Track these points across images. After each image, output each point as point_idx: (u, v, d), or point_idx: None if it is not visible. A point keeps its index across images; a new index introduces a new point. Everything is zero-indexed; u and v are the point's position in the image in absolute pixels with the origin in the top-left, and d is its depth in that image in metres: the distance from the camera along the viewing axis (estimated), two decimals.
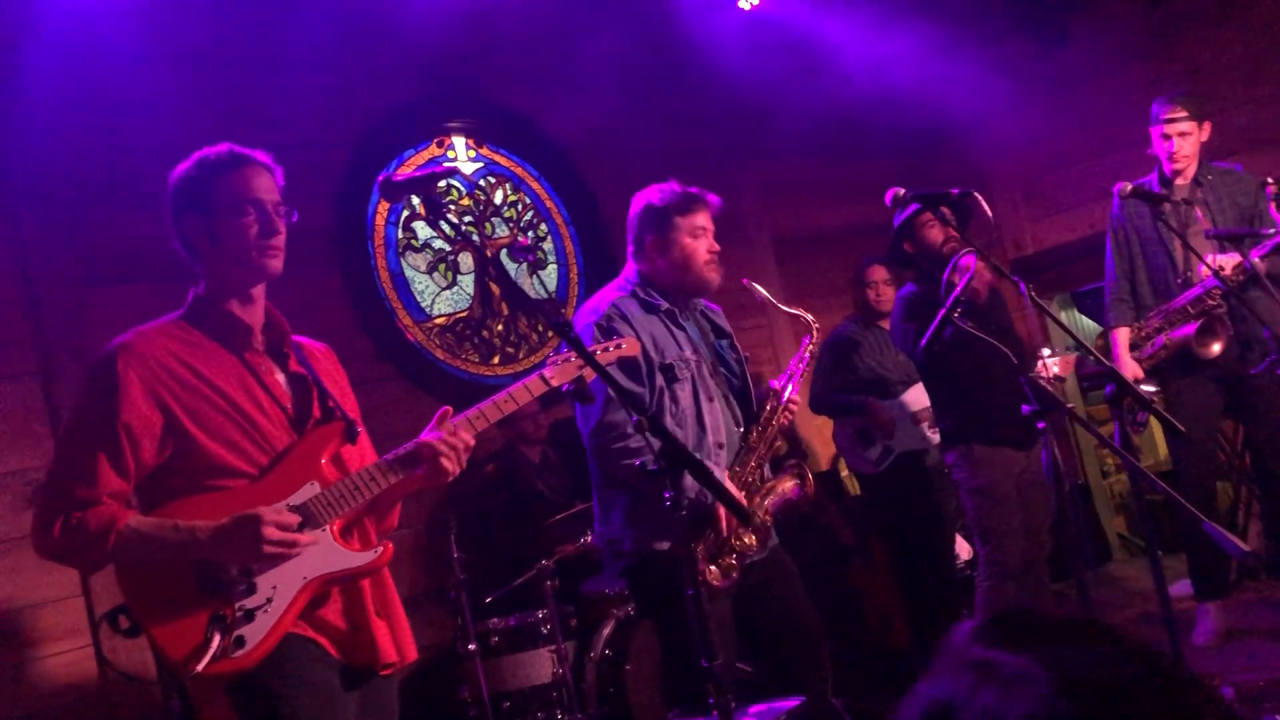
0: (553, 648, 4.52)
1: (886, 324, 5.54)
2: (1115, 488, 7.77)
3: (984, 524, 4.45)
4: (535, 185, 6.39)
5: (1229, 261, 4.40)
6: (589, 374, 2.73)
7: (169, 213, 2.55)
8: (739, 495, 3.28)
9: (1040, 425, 3.08)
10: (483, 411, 2.66)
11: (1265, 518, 5.10)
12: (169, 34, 4.89)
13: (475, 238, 6.01)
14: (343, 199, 5.51)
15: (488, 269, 5.99)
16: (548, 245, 6.38)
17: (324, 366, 2.72)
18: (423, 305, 5.78)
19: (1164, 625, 3.20)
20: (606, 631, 4.68)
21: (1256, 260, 4.27)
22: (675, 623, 2.98)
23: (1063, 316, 7.73)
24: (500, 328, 6.05)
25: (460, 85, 6.04)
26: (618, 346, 3.02)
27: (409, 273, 5.78)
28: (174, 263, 2.60)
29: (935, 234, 4.46)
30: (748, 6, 6.36)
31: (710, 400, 3.37)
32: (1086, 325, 8.27)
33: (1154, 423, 4.82)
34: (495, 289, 6.04)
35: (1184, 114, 4.71)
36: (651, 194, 3.50)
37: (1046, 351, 4.84)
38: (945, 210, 3.67)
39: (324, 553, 2.43)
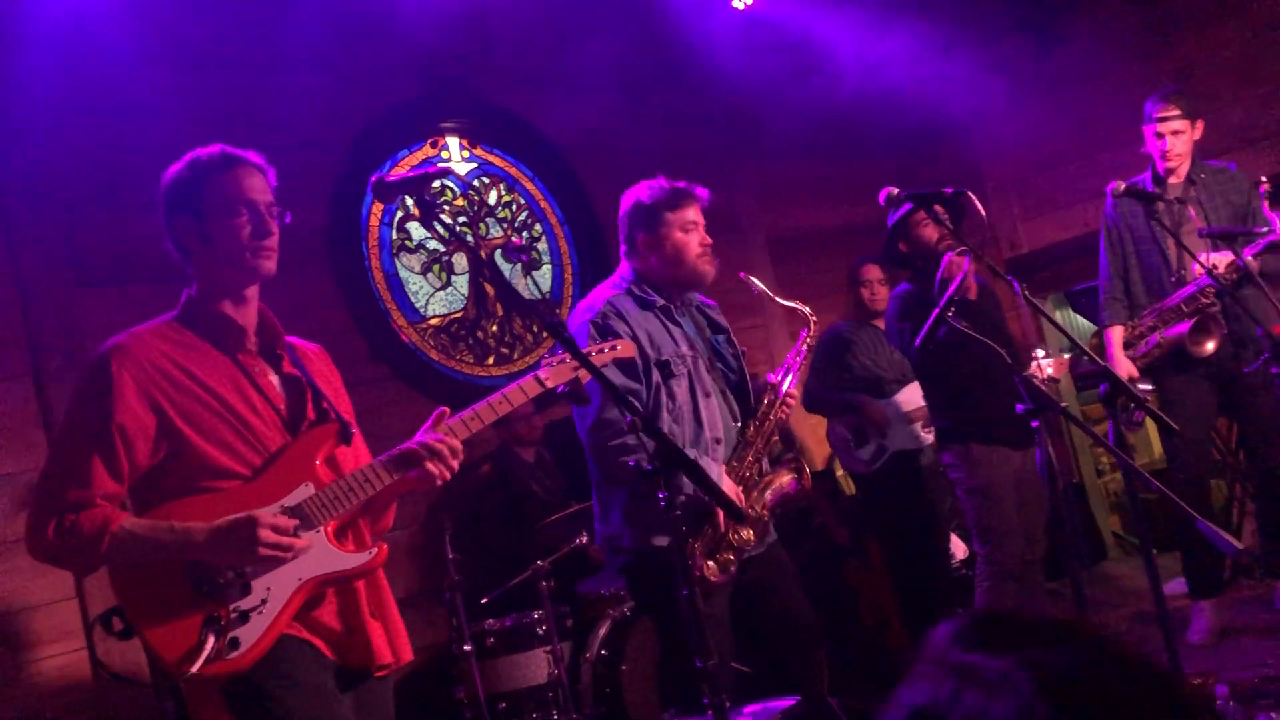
0: (548, 648, 4.51)
1: (881, 323, 5.55)
2: (1110, 486, 7.79)
3: (983, 524, 4.45)
4: (529, 185, 6.39)
5: (1222, 260, 4.41)
6: (584, 375, 2.73)
7: (161, 214, 2.55)
8: (736, 491, 3.28)
9: (1034, 424, 3.09)
10: (477, 413, 2.66)
11: (1259, 516, 5.10)
12: (163, 35, 4.89)
13: (469, 238, 6.01)
14: (337, 200, 5.51)
15: (482, 270, 5.98)
16: (542, 246, 6.38)
17: (317, 367, 2.71)
18: (417, 306, 5.78)
19: (1158, 624, 3.20)
20: (602, 632, 4.68)
21: (1249, 259, 4.28)
22: (673, 620, 2.98)
23: (1057, 315, 7.77)
24: (495, 328, 6.04)
25: (454, 86, 6.03)
26: (612, 348, 3.02)
27: (403, 273, 5.77)
28: (167, 264, 2.59)
29: (930, 233, 4.47)
30: (742, 6, 6.36)
31: (707, 396, 3.37)
32: (1081, 324, 8.28)
33: (1149, 421, 4.82)
34: (490, 290, 6.03)
35: (1177, 112, 4.72)
36: (640, 191, 3.50)
37: (1040, 352, 4.85)
38: (939, 209, 3.67)
39: (319, 554, 2.43)
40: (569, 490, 5.38)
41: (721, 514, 3.23)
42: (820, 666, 3.49)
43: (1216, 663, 4.46)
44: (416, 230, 5.86)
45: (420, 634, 4.68)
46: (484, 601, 4.68)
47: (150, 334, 2.48)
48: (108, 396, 2.35)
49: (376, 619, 2.56)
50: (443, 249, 5.93)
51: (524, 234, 6.30)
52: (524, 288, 6.16)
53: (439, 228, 5.99)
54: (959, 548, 5.71)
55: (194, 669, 2.24)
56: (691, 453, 3.24)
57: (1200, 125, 4.80)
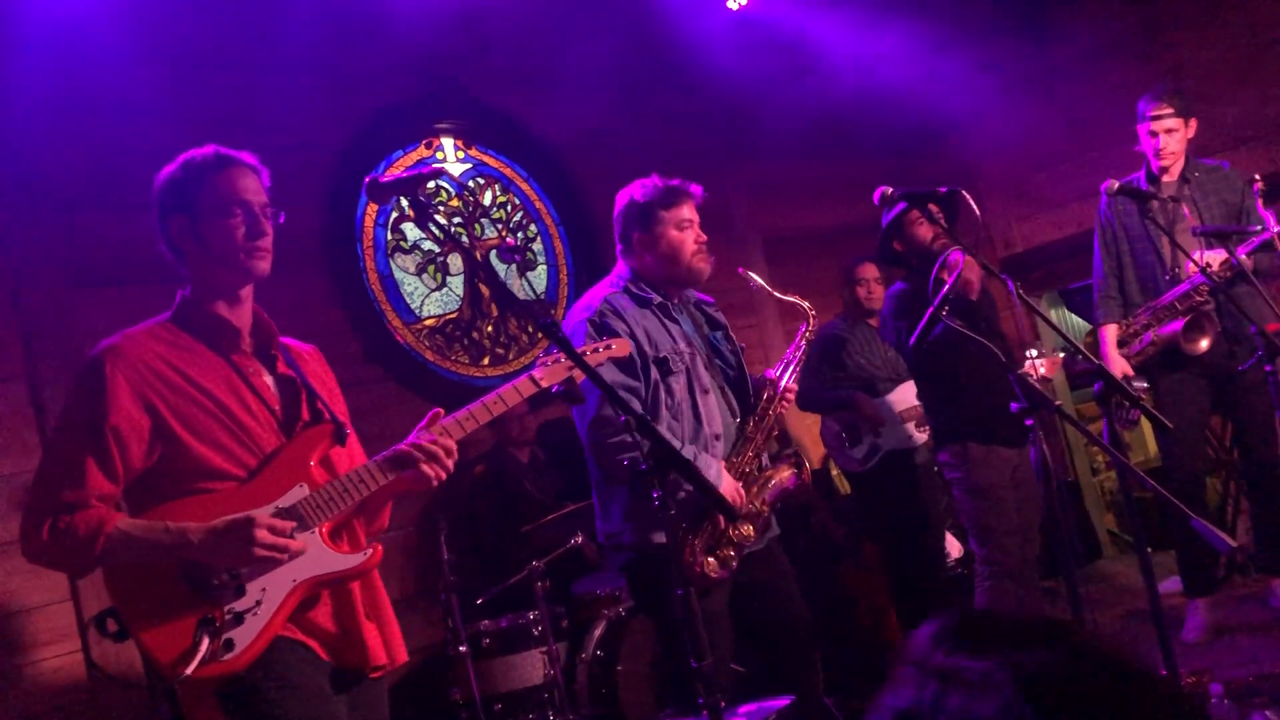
0: (544, 649, 4.51)
1: (875, 322, 5.55)
2: (1105, 485, 7.80)
3: (982, 524, 4.46)
4: (524, 186, 6.39)
5: (1216, 258, 4.42)
6: (579, 374, 2.73)
7: (155, 215, 2.54)
8: (737, 487, 3.28)
9: (1029, 422, 3.09)
10: (472, 413, 2.66)
11: (1253, 513, 5.11)
12: (156, 36, 4.88)
13: (464, 239, 6.00)
14: (331, 200, 5.50)
15: (477, 271, 5.98)
16: (537, 246, 6.38)
17: (312, 368, 2.71)
18: (412, 307, 5.77)
19: (1153, 622, 3.21)
20: (598, 632, 4.68)
21: (1243, 257, 4.29)
22: (673, 619, 2.99)
23: (1051, 314, 7.78)
24: (490, 329, 6.04)
25: (449, 86, 6.03)
26: (607, 347, 3.02)
27: (398, 274, 5.77)
28: (162, 265, 2.59)
29: (924, 232, 4.47)
30: (736, 6, 6.36)
31: (705, 392, 3.38)
32: (1075, 323, 8.30)
33: (1143, 419, 4.83)
34: (485, 290, 6.03)
35: (1170, 111, 4.73)
36: (634, 190, 3.50)
37: (1033, 352, 4.86)
38: (933, 208, 3.67)
39: (314, 555, 2.42)
40: (563, 490, 5.38)
41: (737, 510, 3.23)
42: (815, 666, 3.50)
43: (1211, 661, 4.47)
44: (411, 231, 5.86)
45: (416, 635, 4.68)
46: (479, 602, 4.67)
47: (144, 335, 2.47)
48: (102, 398, 2.34)
49: (371, 620, 2.56)
50: (438, 250, 5.93)
51: (519, 235, 6.30)
52: (519, 288, 6.15)
53: (434, 228, 5.98)
54: (954, 546, 5.71)
55: (189, 671, 2.24)
56: (690, 450, 3.25)
57: (1194, 124, 4.81)
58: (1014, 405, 3.05)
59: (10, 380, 4.38)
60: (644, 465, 2.36)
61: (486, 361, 5.97)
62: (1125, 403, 3.31)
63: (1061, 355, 5.24)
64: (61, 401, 2.57)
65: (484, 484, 5.36)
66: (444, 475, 2.57)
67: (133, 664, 4.12)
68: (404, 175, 2.44)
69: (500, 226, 6.23)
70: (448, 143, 6.13)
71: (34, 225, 4.53)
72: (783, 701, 2.92)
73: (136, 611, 2.31)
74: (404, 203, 5.70)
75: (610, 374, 3.22)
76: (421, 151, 6.02)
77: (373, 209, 5.71)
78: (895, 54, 6.56)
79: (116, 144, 4.60)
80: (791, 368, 3.51)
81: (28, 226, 4.52)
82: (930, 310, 3.88)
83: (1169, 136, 4.75)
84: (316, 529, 2.44)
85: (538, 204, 6.41)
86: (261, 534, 2.30)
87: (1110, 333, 4.92)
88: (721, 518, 3.25)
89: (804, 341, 3.60)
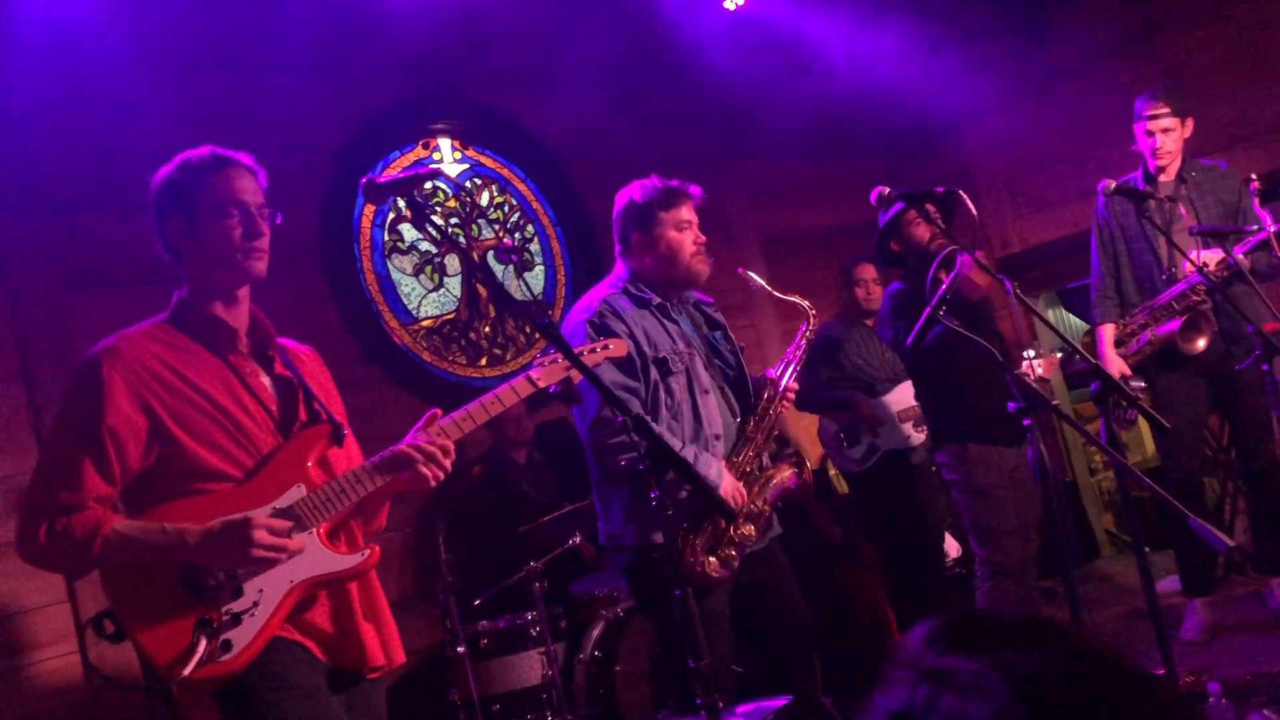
0: (542, 649, 4.51)
1: (872, 322, 5.55)
2: (1103, 485, 7.80)
3: (982, 524, 4.45)
4: (521, 187, 6.39)
5: (1213, 258, 4.42)
6: (576, 375, 2.73)
7: (151, 216, 2.54)
8: (738, 486, 3.28)
9: (1026, 422, 3.09)
10: (469, 413, 2.66)
11: (1251, 513, 5.11)
12: (152, 37, 4.88)
13: (461, 240, 6.00)
14: (328, 201, 5.50)
15: (474, 271, 5.98)
16: (534, 247, 6.38)
17: (309, 369, 2.71)
18: (409, 307, 5.77)
19: (1151, 621, 3.21)
20: (596, 632, 4.68)
21: (1240, 256, 4.28)
22: (673, 619, 2.99)
23: (1049, 314, 7.78)
24: (487, 330, 6.04)
25: (446, 87, 6.03)
26: (605, 347, 3.02)
27: (395, 275, 5.77)
28: (159, 266, 2.58)
29: (921, 231, 4.47)
30: (733, 6, 6.36)
31: (705, 392, 3.38)
32: (1073, 323, 8.30)
33: (1141, 419, 4.84)
34: (482, 291, 6.03)
35: (1166, 110, 4.73)
36: (633, 190, 3.50)
37: (1030, 353, 4.86)
38: (930, 208, 3.67)
39: (311, 556, 2.42)
40: (561, 491, 5.38)
41: (734, 509, 3.23)
42: (815, 667, 3.50)
43: (1209, 660, 4.47)
44: (409, 232, 5.86)
45: (414, 636, 4.68)
46: (477, 603, 4.67)
47: (141, 336, 2.47)
48: (98, 399, 2.34)
49: (369, 621, 2.55)
50: (435, 251, 5.92)
51: (516, 235, 6.30)
52: (516, 289, 6.15)
53: (431, 229, 5.98)
54: (952, 546, 5.71)
55: (186, 672, 2.23)
56: (691, 449, 3.25)
57: (1190, 123, 4.81)
58: (1011, 405, 3.05)
59: (7, 381, 4.38)
60: (641, 465, 2.36)
61: (484, 362, 5.97)
62: (1123, 402, 3.31)
63: (1059, 356, 5.25)
64: (58, 403, 2.56)
65: (482, 485, 5.36)
66: (442, 475, 2.56)
67: (130, 665, 4.09)
68: (400, 176, 2.44)
69: (497, 227, 6.23)
70: (445, 143, 6.13)
71: (32, 226, 4.53)
72: (780, 701, 2.92)
73: (134, 612, 2.31)
74: (401, 203, 5.70)
75: (610, 374, 3.23)
76: (419, 152, 6.02)
77: (370, 210, 5.71)
78: (893, 53, 6.57)
79: (114, 144, 4.60)
80: (792, 367, 3.52)
81: (25, 227, 4.51)
82: (927, 310, 3.88)
83: (1165, 136, 4.75)
84: (314, 529, 2.44)
85: (535, 205, 6.41)
86: (259, 534, 2.30)
87: (1107, 332, 4.92)
88: (737, 514, 3.25)
89: (804, 341, 3.60)
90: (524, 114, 6.29)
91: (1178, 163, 4.82)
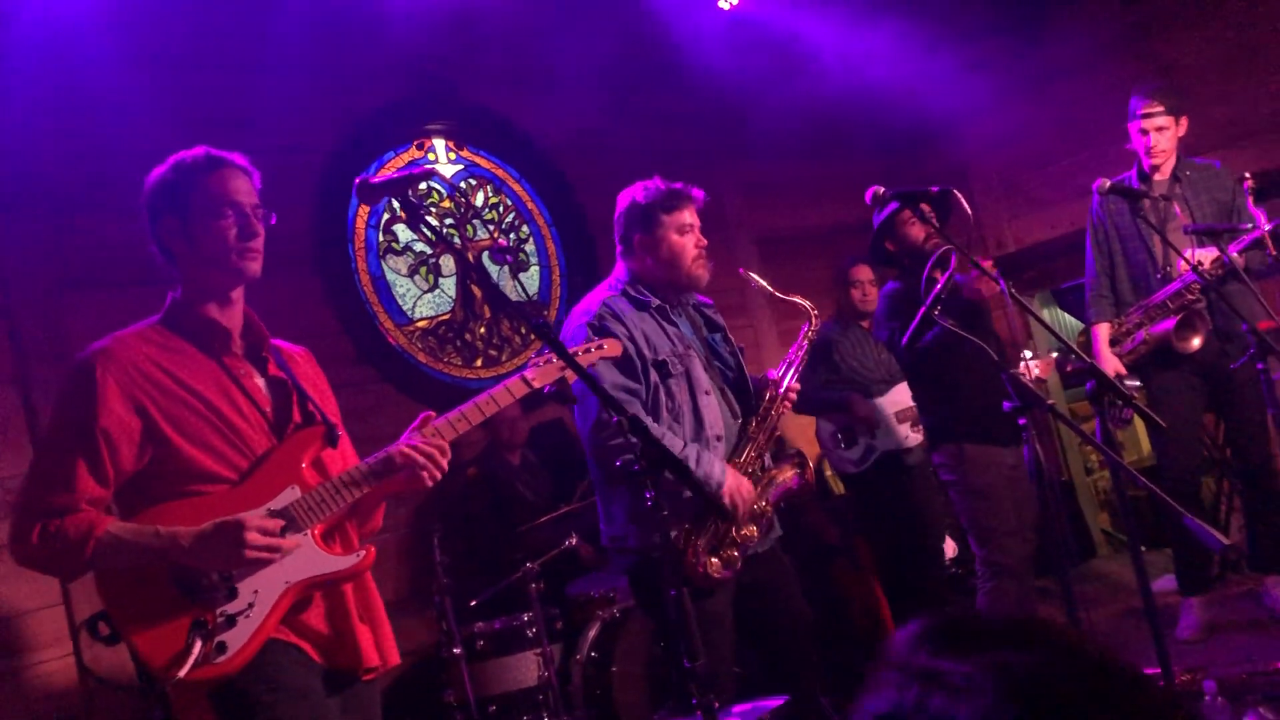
0: (538, 650, 4.50)
1: (868, 324, 5.55)
2: (1099, 484, 7.80)
3: (982, 525, 4.45)
4: (516, 187, 6.38)
5: (1207, 256, 4.42)
6: (571, 375, 2.73)
7: (145, 216, 2.53)
8: (744, 482, 3.29)
9: (1022, 421, 3.09)
10: (464, 414, 2.65)
11: (1246, 511, 5.11)
12: (146, 37, 4.87)
13: (456, 241, 6.00)
14: (322, 202, 5.50)
15: (469, 272, 5.98)
16: (529, 247, 6.37)
17: (303, 370, 2.70)
18: (404, 308, 5.76)
19: (1147, 620, 3.21)
20: (592, 633, 4.67)
21: (1234, 255, 4.29)
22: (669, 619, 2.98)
23: (1044, 314, 7.78)
24: (483, 330, 6.03)
25: (440, 87, 6.03)
26: (599, 347, 3.02)
27: (390, 276, 5.76)
28: (153, 267, 2.58)
29: (916, 231, 4.47)
30: (727, 6, 6.36)
31: (706, 394, 3.37)
32: (1068, 322, 8.30)
33: (1137, 418, 4.84)
34: (477, 292, 6.02)
35: (1160, 108, 4.73)
36: (636, 191, 3.50)
37: (1028, 353, 4.86)
38: (925, 208, 3.68)
39: (306, 557, 2.42)
40: (555, 492, 5.38)
41: (730, 509, 3.24)
42: (816, 668, 3.50)
43: (1205, 659, 4.47)
44: (403, 233, 5.85)
45: (409, 637, 4.67)
46: (473, 604, 4.67)
47: (134, 337, 2.46)
48: (92, 400, 2.33)
49: (364, 622, 2.55)
50: (430, 251, 5.92)
51: (511, 236, 6.29)
52: (512, 290, 6.15)
53: (426, 230, 5.97)
54: (949, 546, 5.71)
55: (181, 674, 2.23)
56: (694, 448, 3.24)
57: (1184, 122, 4.82)
58: (1006, 404, 3.05)
59: (2, 383, 4.37)
60: (636, 466, 2.35)
61: (479, 363, 5.96)
62: (1118, 402, 3.31)
63: (1055, 356, 5.25)
64: (51, 405, 2.55)
65: (477, 486, 5.36)
66: (438, 476, 2.56)
67: (125, 667, 4.10)
68: (394, 176, 2.44)
69: (492, 228, 6.22)
70: (439, 144, 6.12)
71: (26, 226, 4.52)
72: (777, 701, 2.91)
73: (128, 615, 2.30)
74: (395, 204, 5.69)
75: (611, 376, 3.23)
76: (413, 153, 6.01)
77: (364, 210, 5.70)
78: (888, 53, 6.57)
79: (108, 145, 4.59)
80: (794, 368, 3.51)
81: (20, 228, 4.50)
82: (922, 310, 3.88)
83: (1160, 135, 4.75)
84: (309, 531, 2.43)
85: (530, 205, 6.41)
86: (251, 535, 2.29)
87: (1103, 332, 4.92)
88: (733, 514, 3.25)
89: (806, 341, 3.60)
90: (519, 114, 6.29)
91: (1172, 161, 4.83)
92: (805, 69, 6.68)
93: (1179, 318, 4.65)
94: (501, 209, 6.29)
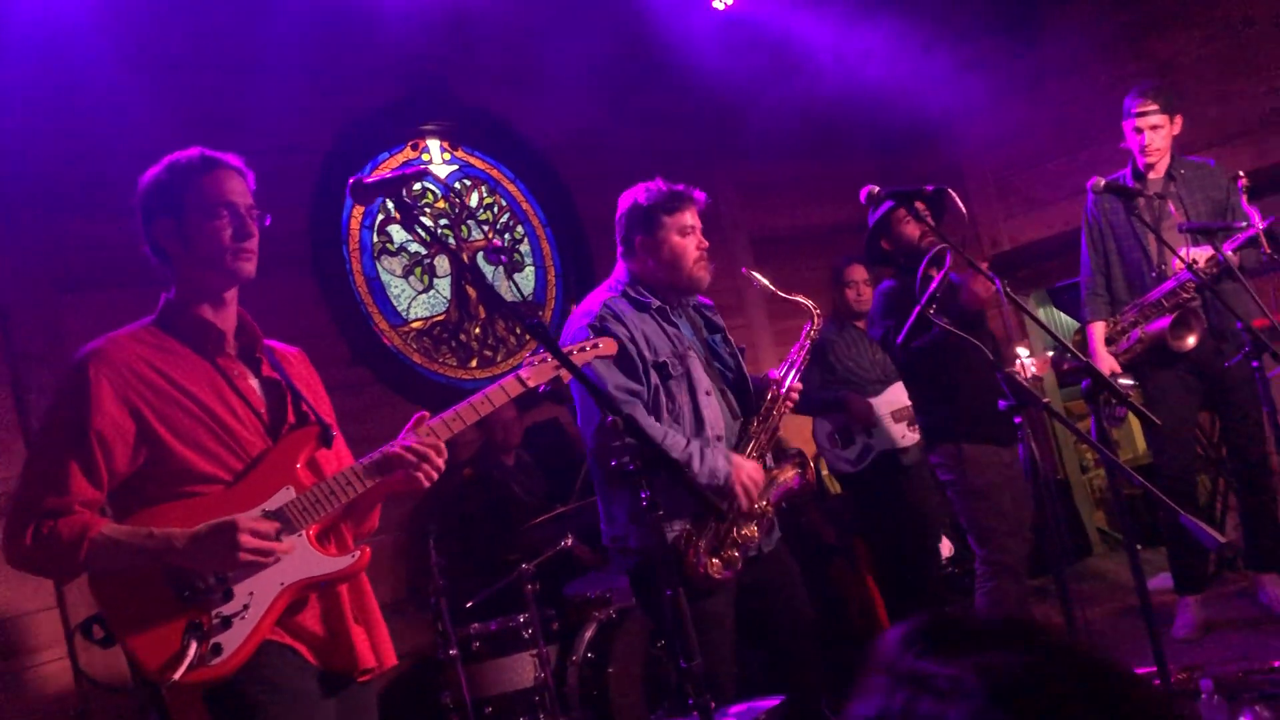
0: (534, 651, 4.49)
1: (863, 324, 5.55)
2: (1094, 482, 7.81)
3: (983, 525, 4.44)
4: (511, 187, 6.38)
5: (1202, 255, 4.43)
6: (566, 375, 2.72)
7: (139, 217, 2.53)
8: (756, 468, 3.29)
9: (1017, 420, 3.09)
10: (459, 414, 2.65)
11: (1241, 509, 5.12)
12: (140, 39, 4.86)
13: (451, 241, 5.99)
14: (317, 203, 5.49)
15: (464, 273, 5.97)
16: (524, 248, 6.37)
17: (297, 370, 2.70)
18: (399, 309, 5.76)
19: (1143, 618, 3.21)
20: (589, 634, 4.67)
21: (1229, 253, 4.30)
22: (664, 619, 2.98)
23: (1039, 312, 7.79)
24: (478, 331, 6.03)
25: (434, 88, 6.02)
26: (594, 346, 3.02)
27: (385, 276, 5.76)
28: (147, 269, 2.57)
29: (911, 230, 4.47)
30: (722, 6, 6.36)
31: (707, 394, 3.38)
32: (1063, 321, 8.31)
33: (1133, 417, 4.84)
34: (472, 292, 6.02)
35: (1155, 107, 4.74)
36: (638, 193, 3.49)
37: (1024, 351, 4.86)
38: (920, 206, 3.67)
39: (301, 558, 2.41)
40: (550, 493, 5.37)
41: (742, 493, 3.25)
42: (818, 670, 3.50)
43: (1202, 657, 4.48)
44: (398, 233, 5.84)
45: (405, 639, 4.66)
46: (469, 605, 4.66)
47: (128, 338, 2.46)
48: (85, 402, 2.33)
49: (360, 623, 2.54)
50: (424, 252, 5.91)
51: (506, 236, 6.29)
52: (506, 290, 6.14)
53: (420, 230, 5.98)
54: (945, 546, 5.71)
55: (176, 676, 2.22)
56: (697, 443, 3.24)
57: (1179, 120, 4.82)
58: (1002, 403, 3.05)
59: None
60: (631, 466, 2.35)
61: (474, 364, 5.96)
62: (1113, 400, 3.32)
63: (1051, 354, 5.25)
64: (45, 406, 2.55)
65: (472, 487, 5.35)
66: (435, 475, 2.56)
67: (120, 670, 4.10)
68: (388, 176, 2.43)
69: (487, 228, 6.22)
70: (434, 144, 6.12)
71: (18, 229, 4.51)
72: (773, 701, 2.91)
73: (123, 617, 2.29)
74: (390, 205, 5.69)
75: (614, 378, 3.23)
76: (407, 153, 6.01)
77: (359, 211, 5.70)
78: (883, 52, 6.57)
79: (101, 147, 4.58)
80: (795, 367, 3.51)
81: (13, 229, 4.49)
82: (917, 309, 3.88)
83: (1154, 133, 4.76)
84: (304, 532, 2.43)
85: (524, 205, 6.40)
86: (245, 538, 2.29)
87: (1098, 330, 4.93)
88: (743, 501, 3.25)
89: (808, 341, 3.60)
90: (513, 115, 6.28)
91: (1167, 160, 4.84)
92: (801, 69, 6.68)
93: (1174, 316, 4.66)
94: (496, 209, 6.29)
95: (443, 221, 6.03)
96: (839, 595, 5.63)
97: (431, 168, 6.06)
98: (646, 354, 3.31)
